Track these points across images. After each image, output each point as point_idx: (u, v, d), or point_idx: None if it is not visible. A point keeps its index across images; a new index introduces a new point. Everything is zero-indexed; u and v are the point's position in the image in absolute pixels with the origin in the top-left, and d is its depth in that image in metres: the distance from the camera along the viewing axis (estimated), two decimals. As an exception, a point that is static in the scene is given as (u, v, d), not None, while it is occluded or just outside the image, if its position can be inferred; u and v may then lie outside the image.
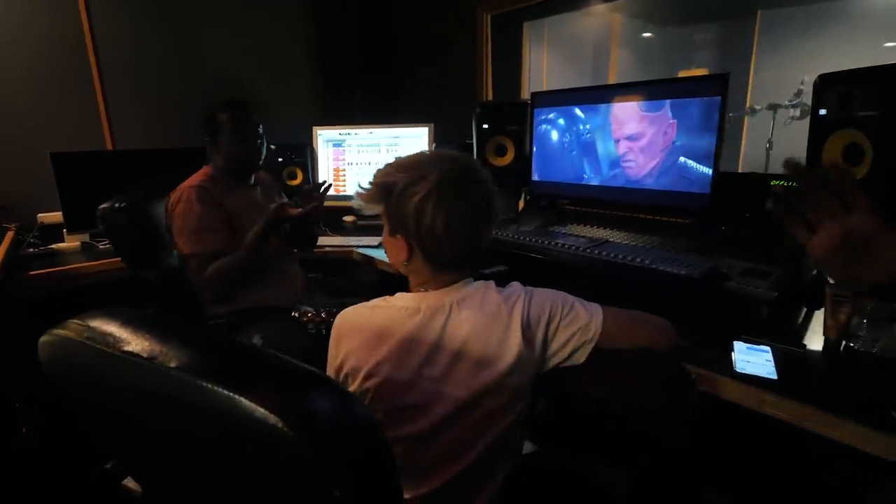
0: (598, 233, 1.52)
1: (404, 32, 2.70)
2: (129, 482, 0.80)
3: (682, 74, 3.28)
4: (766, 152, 2.63)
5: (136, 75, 2.20)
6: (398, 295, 0.84)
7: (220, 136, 1.50)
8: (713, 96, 1.23)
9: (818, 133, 1.08)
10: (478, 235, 0.81)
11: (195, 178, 1.48)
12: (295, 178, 2.24)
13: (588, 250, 1.35)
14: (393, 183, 0.77)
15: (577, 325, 0.82)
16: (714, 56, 3.44)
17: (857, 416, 0.71)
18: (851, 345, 0.91)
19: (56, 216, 1.93)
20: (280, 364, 0.42)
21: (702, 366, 0.88)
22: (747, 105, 3.07)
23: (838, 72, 1.04)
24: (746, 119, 3.08)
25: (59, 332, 0.50)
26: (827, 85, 1.06)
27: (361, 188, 0.82)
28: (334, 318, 0.85)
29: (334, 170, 2.27)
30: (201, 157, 2.18)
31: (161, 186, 1.53)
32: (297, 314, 1.45)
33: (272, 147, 2.25)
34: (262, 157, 1.58)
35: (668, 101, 1.34)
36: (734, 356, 0.89)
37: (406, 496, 0.79)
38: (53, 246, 1.88)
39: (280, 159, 2.22)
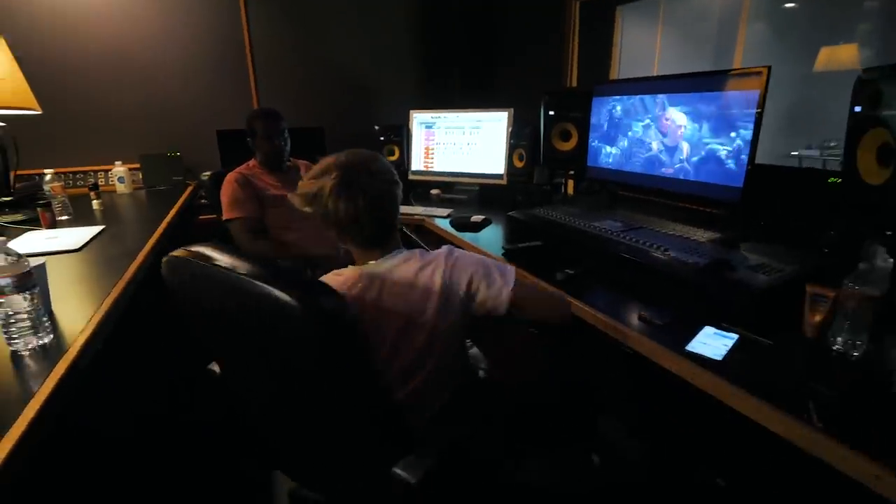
0: (640, 219, 1.57)
1: (500, 23, 2.85)
2: (213, 366, 1.11)
3: (825, 51, 2.86)
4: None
5: (279, 68, 2.78)
6: (343, 269, 1.03)
7: (255, 138, 1.93)
8: (752, 90, 1.22)
9: (853, 131, 1.04)
10: (373, 216, 0.95)
11: (238, 169, 1.95)
12: (392, 154, 2.59)
13: (618, 234, 1.44)
14: (307, 191, 0.96)
15: (491, 292, 1.00)
16: (875, 28, 2.90)
17: (773, 398, 0.77)
18: (836, 347, 0.91)
19: (219, 177, 2.59)
20: (293, 275, 0.76)
21: (658, 340, 0.97)
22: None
23: (876, 67, 0.99)
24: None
25: (174, 254, 0.82)
26: (866, 80, 1.01)
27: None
28: None
29: (425, 149, 2.57)
30: (321, 133, 2.67)
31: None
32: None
33: (376, 127, 2.64)
34: (287, 153, 2.00)
35: (712, 94, 1.34)
36: (695, 337, 0.97)
37: (400, 395, 1.06)
38: (216, 199, 2.52)
39: (381, 138, 2.59)
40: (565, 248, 1.52)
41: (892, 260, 0.88)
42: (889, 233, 0.99)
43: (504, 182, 2.33)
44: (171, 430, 1.62)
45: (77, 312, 1.00)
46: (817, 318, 0.92)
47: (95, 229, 1.63)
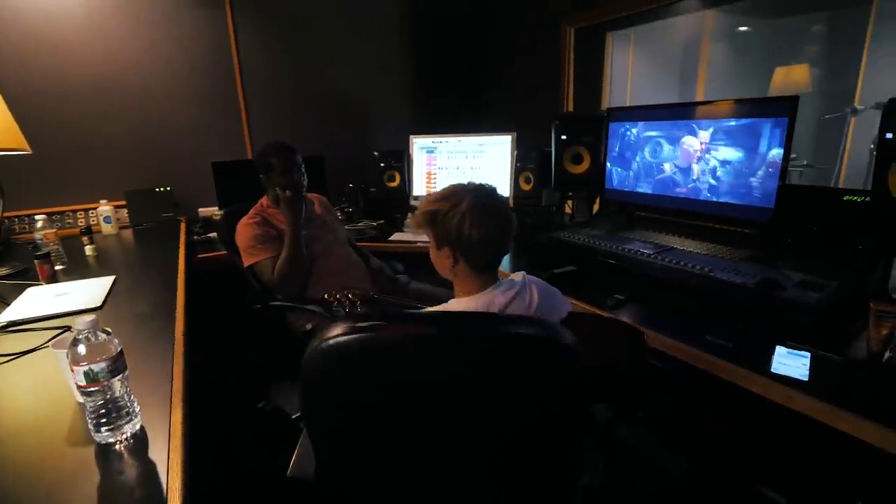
0: (665, 239, 1.65)
1: (495, 48, 2.92)
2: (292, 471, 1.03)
3: (780, 71, 3.14)
4: (870, 155, 2.50)
5: (272, 96, 2.68)
6: (452, 301, 1.04)
7: (271, 174, 1.78)
8: (781, 117, 1.32)
9: (884, 158, 1.14)
10: (504, 242, 1.01)
11: (253, 211, 1.81)
12: (393, 180, 2.56)
13: (654, 256, 1.50)
14: (436, 210, 0.99)
15: (559, 297, 1.14)
16: (821, 50, 3.22)
17: (870, 413, 0.82)
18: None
19: (212, 210, 2.44)
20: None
21: (740, 364, 1.02)
22: (855, 103, 2.88)
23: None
24: (854, 120, 2.89)
25: (332, 341, 0.66)
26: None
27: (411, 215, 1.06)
28: (360, 301, 1.25)
29: (427, 174, 2.56)
30: (320, 162, 2.59)
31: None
32: (326, 295, 1.47)
33: (375, 153, 2.60)
34: (305, 188, 1.83)
35: (737, 121, 1.44)
36: (773, 358, 1.03)
37: None
38: (211, 234, 2.37)
39: (381, 164, 2.56)
40: (595, 271, 1.56)
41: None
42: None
43: (510, 205, 2.36)
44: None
45: (145, 388, 0.90)
46: (884, 332, 1.00)
47: (107, 280, 1.49)
